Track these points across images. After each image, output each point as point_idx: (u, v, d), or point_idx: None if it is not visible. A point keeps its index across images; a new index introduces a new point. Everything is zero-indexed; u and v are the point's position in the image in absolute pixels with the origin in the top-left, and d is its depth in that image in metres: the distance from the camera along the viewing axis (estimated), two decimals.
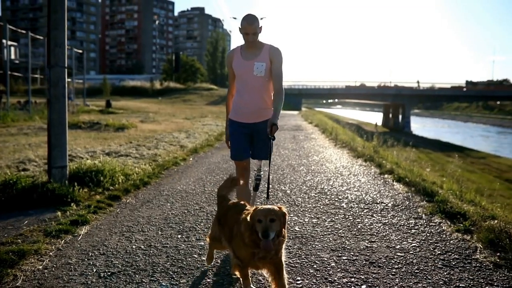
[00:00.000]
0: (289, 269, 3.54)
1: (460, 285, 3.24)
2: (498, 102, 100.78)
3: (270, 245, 2.76)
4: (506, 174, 30.95)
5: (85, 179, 6.19)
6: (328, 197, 6.09)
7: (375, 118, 78.36)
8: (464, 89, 75.14)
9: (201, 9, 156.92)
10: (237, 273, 3.13)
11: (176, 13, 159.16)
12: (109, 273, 3.45)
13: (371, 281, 3.32)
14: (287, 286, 2.96)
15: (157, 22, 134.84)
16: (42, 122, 16.21)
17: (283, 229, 2.84)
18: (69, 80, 29.22)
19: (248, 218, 2.89)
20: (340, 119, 51.17)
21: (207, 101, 47.22)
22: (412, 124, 67.08)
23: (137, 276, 3.40)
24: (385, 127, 63.82)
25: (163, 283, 3.25)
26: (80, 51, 29.34)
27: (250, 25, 3.93)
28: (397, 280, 3.32)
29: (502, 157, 38.23)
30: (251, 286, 3.10)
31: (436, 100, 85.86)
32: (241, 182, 4.03)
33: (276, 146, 11.84)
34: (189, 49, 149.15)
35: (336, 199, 5.94)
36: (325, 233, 4.48)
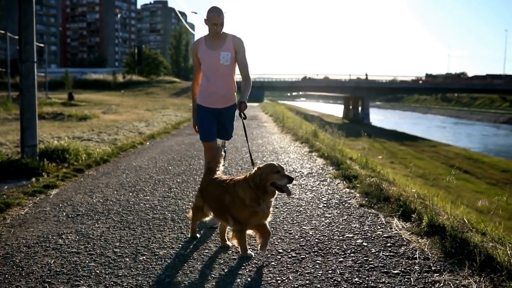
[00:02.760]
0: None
1: (327, 215, 4.58)
2: (456, 94, 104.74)
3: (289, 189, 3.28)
4: (452, 160, 33.15)
5: (52, 156, 7.32)
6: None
7: (336, 110, 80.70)
8: (420, 82, 77.85)
9: (164, 2, 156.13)
10: (235, 242, 3.50)
11: (138, 6, 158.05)
12: (75, 215, 4.65)
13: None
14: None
15: (119, 15, 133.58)
16: (7, 114, 16.98)
17: None
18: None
19: (255, 175, 3.29)
20: (302, 111, 52.63)
21: (170, 93, 48.01)
22: (373, 116, 69.48)
23: (96, 216, 4.61)
24: (345, 119, 65.87)
25: None
26: (42, 45, 29.70)
27: (218, 16, 4.21)
28: (284, 214, 4.63)
29: (452, 146, 40.65)
30: (249, 251, 3.52)
31: (393, 93, 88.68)
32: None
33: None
34: (152, 42, 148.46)
35: None
36: None
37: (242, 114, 4.16)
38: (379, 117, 76.70)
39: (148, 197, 5.41)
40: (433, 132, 53.93)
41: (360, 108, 68.59)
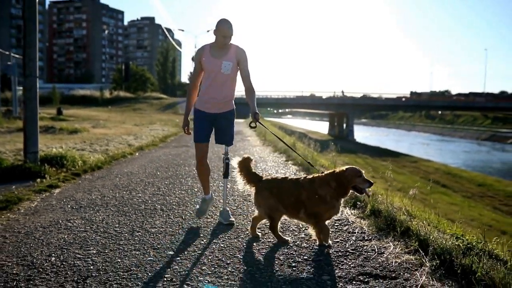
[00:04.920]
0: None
1: None
2: (440, 112, 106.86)
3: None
4: (431, 175, 34.33)
5: (52, 162, 8.13)
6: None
7: (322, 127, 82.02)
8: (403, 99, 79.49)
9: (151, 19, 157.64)
10: (313, 234, 3.89)
11: (126, 23, 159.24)
12: (78, 207, 5.48)
13: (244, 208, 5.50)
14: None
15: (106, 31, 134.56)
16: None
17: None
18: (20, 88, 30.22)
19: (340, 176, 3.64)
20: (287, 127, 53.76)
21: (157, 109, 48.84)
22: (358, 133, 70.80)
23: (96, 207, 5.45)
24: (330, 135, 67.07)
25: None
26: None
27: (229, 29, 4.40)
28: None
29: (432, 161, 41.94)
30: (329, 240, 3.89)
31: (378, 110, 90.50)
32: (202, 162, 4.81)
33: (212, 145, 13.97)
34: (139, 59, 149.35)
35: None
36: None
37: (253, 124, 4.47)
38: (364, 134, 78.13)
39: (140, 195, 6.25)
40: (415, 149, 55.34)
41: (344, 125, 69.89)
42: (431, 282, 3.03)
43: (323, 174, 3.82)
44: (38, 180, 6.92)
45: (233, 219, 4.79)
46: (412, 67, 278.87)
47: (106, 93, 60.40)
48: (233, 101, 4.80)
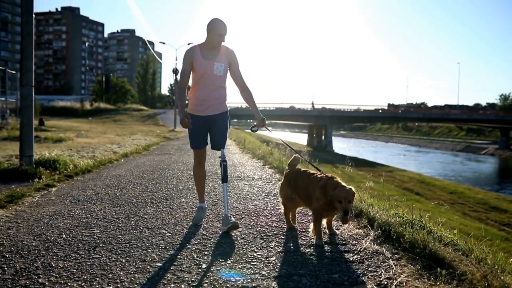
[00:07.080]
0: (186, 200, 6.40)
1: (266, 200, 6.23)
2: (416, 124, 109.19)
3: (347, 220, 3.73)
4: (406, 184, 35.49)
5: (45, 165, 8.77)
6: (219, 176, 8.99)
7: (301, 138, 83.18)
8: (380, 111, 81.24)
9: (132, 31, 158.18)
10: (311, 226, 4.15)
11: (106, 35, 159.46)
12: (76, 201, 6.16)
13: (219, 199, 6.24)
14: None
15: (86, 43, 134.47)
16: None
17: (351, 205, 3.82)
18: (3, 99, 30.46)
19: (328, 192, 3.74)
20: (266, 138, 54.31)
21: (137, 121, 49.35)
22: (337, 144, 72.06)
23: (92, 201, 6.13)
24: (309, 147, 68.19)
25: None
26: (14, 72, 30.75)
27: (225, 27, 4.40)
28: (235, 198, 6.26)
29: (408, 171, 43.15)
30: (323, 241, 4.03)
31: (355, 121, 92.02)
32: (201, 166, 4.96)
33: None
34: (119, 71, 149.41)
35: None
36: (206, 188, 7.37)
37: (255, 128, 4.74)
38: (343, 145, 79.58)
39: (130, 192, 6.95)
40: (392, 160, 56.79)
41: (323, 137, 71.12)
42: (372, 245, 3.82)
43: (329, 178, 3.92)
44: (36, 180, 7.56)
45: (234, 220, 4.50)
46: (390, 80, 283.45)
47: (86, 104, 60.77)
48: (226, 103, 4.75)
